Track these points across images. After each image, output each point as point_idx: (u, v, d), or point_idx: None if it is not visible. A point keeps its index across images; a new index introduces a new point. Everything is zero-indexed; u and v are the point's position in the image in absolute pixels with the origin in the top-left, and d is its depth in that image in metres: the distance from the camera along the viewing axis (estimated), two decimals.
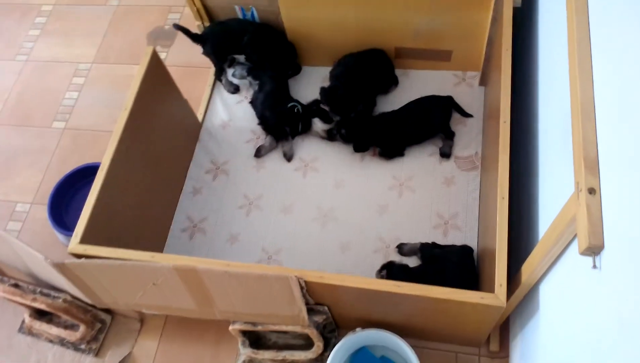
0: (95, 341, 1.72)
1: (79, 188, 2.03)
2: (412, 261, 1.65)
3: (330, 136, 1.91)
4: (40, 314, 1.74)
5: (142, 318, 1.75)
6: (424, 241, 1.67)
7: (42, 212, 2.01)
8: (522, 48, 1.65)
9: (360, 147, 1.85)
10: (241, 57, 2.07)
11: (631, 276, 0.71)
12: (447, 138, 1.84)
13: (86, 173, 2.02)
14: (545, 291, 1.16)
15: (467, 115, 1.88)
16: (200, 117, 2.06)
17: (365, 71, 1.90)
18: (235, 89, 2.10)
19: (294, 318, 1.40)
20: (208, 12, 2.00)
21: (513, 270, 1.24)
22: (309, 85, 2.06)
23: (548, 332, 1.13)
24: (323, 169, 1.88)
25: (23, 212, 2.08)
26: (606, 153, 0.84)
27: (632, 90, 0.77)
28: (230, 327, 1.50)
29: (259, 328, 1.47)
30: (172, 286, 1.37)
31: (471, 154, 1.81)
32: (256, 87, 2.01)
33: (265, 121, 1.93)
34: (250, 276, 1.27)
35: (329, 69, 1.99)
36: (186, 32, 1.95)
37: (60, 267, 1.37)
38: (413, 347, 1.41)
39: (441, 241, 1.67)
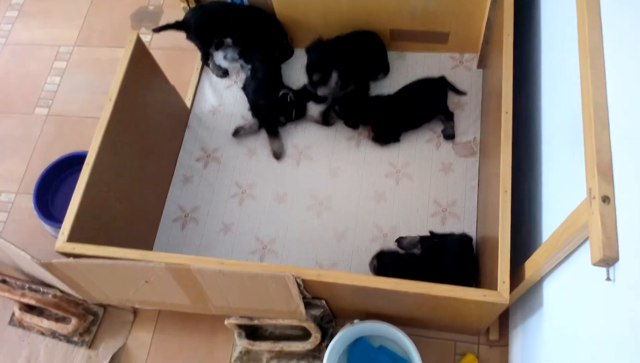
0: (88, 333, 1.69)
1: (64, 177, 1.97)
2: None
3: (325, 120, 1.86)
4: (30, 307, 1.70)
5: (135, 310, 1.72)
6: (421, 229, 1.64)
7: (28, 201, 1.95)
8: (522, 32, 1.59)
9: (351, 122, 1.80)
10: (230, 40, 1.99)
11: None
12: (447, 118, 1.79)
13: (72, 162, 1.96)
14: (550, 290, 1.13)
15: (461, 93, 1.83)
16: (188, 103, 1.99)
17: (354, 54, 1.83)
18: (224, 73, 2.03)
19: (291, 313, 1.38)
20: None
21: (514, 261, 1.22)
22: (302, 68, 1.99)
23: (552, 329, 1.11)
24: (317, 157, 1.84)
25: (8, 202, 2.02)
26: (621, 157, 0.81)
27: None
28: (226, 321, 1.47)
29: (255, 322, 1.45)
30: (165, 284, 1.34)
31: (469, 140, 1.77)
32: (248, 72, 1.94)
33: (258, 111, 1.86)
34: (246, 275, 1.23)
35: None
36: (167, 26, 1.86)
37: (48, 267, 1.32)
38: (411, 335, 1.40)
39: (439, 229, 1.65)
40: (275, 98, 1.81)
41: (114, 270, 1.30)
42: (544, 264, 1.06)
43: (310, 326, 1.44)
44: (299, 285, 1.25)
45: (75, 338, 1.68)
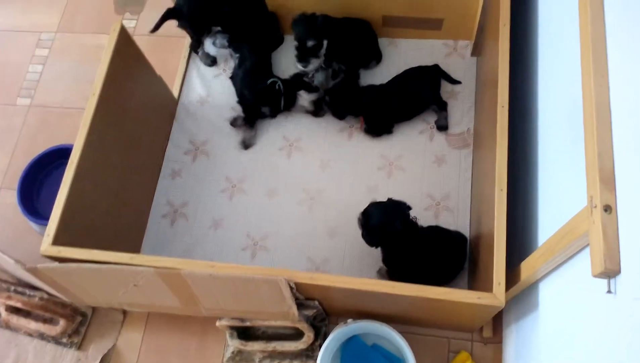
0: (77, 334, 1.66)
1: (49, 171, 1.92)
2: None
3: (316, 110, 1.81)
4: (17, 309, 1.66)
5: (124, 310, 1.69)
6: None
7: (12, 197, 1.90)
8: (519, 20, 1.55)
9: (339, 113, 1.76)
10: (218, 27, 1.92)
11: None
12: (441, 109, 1.76)
13: (56, 155, 1.90)
14: (546, 292, 1.11)
15: (455, 82, 1.79)
16: (175, 93, 1.93)
17: (345, 40, 1.78)
18: (212, 62, 1.97)
19: (283, 314, 1.35)
20: None
21: (509, 259, 1.19)
22: (293, 56, 1.93)
23: (548, 332, 1.09)
24: (308, 149, 1.79)
25: None
26: (624, 162, 0.78)
27: None
28: (218, 323, 1.45)
29: (247, 324, 1.43)
30: (155, 287, 1.31)
31: (463, 131, 1.73)
32: (236, 61, 1.88)
33: (245, 100, 1.81)
34: (237, 279, 1.20)
35: None
36: (161, 20, 1.78)
37: (34, 271, 1.28)
38: (404, 332, 1.39)
39: (432, 223, 1.62)
40: (262, 86, 1.76)
41: (102, 274, 1.27)
42: (540, 267, 1.04)
43: (303, 326, 1.42)
44: (291, 288, 1.23)
45: (64, 340, 1.65)
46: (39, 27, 2.26)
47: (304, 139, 1.81)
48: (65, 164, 1.41)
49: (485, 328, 1.49)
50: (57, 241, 1.33)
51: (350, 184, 1.72)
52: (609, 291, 0.75)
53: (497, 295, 1.13)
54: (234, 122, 1.85)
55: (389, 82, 1.76)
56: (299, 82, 1.81)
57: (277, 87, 1.75)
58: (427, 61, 1.80)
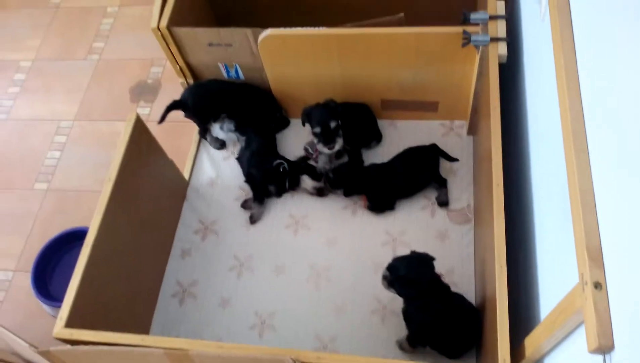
0: None
1: (63, 253, 1.99)
2: None
3: (319, 193, 1.88)
4: None
5: None
6: None
7: (26, 280, 1.95)
8: (510, 101, 1.65)
9: (349, 191, 1.83)
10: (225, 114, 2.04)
11: None
12: (441, 186, 1.82)
13: (70, 238, 1.98)
14: None
15: (452, 159, 1.86)
16: (186, 175, 2.02)
17: (347, 123, 1.88)
18: (221, 145, 2.07)
19: None
20: (191, 69, 1.98)
21: (513, 332, 1.21)
22: (298, 137, 2.04)
23: None
24: (314, 227, 1.85)
25: (6, 281, 2.02)
26: (610, 240, 0.82)
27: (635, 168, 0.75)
28: None
29: None
30: None
31: (463, 207, 1.79)
32: (243, 143, 1.98)
33: (252, 179, 1.89)
34: (245, 359, 1.22)
35: None
36: (167, 111, 1.90)
37: (46, 355, 1.31)
38: None
39: None
40: (269, 167, 1.84)
41: (113, 356, 1.29)
42: (543, 343, 1.05)
43: None
44: None
45: None
46: (59, 116, 2.40)
47: (310, 217, 1.87)
48: (79, 246, 1.47)
49: None
50: (70, 323, 1.36)
51: (356, 261, 1.76)
52: None
53: None
54: (244, 204, 1.92)
55: (389, 161, 1.84)
56: (303, 165, 1.89)
57: (282, 168, 1.83)
58: (425, 141, 1.89)
